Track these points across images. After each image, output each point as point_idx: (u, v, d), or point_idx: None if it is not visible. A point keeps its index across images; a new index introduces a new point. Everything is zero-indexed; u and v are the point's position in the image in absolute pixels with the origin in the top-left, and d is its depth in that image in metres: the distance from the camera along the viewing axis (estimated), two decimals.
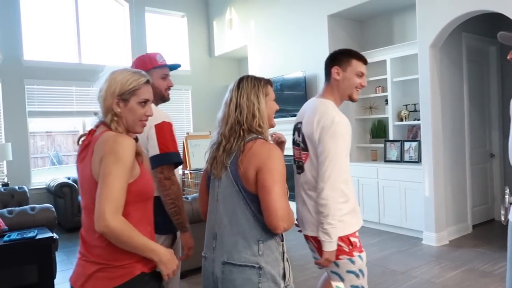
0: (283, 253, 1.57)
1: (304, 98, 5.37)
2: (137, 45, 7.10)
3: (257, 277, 1.48)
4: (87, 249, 1.38)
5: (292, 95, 5.82)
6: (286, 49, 6.13)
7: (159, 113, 1.92)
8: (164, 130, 1.90)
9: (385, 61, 5.15)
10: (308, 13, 5.72)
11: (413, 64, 4.89)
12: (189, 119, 7.75)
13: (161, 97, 2.10)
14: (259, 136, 1.58)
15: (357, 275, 1.89)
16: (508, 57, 1.64)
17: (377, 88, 5.38)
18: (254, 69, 6.73)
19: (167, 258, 1.36)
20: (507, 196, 1.75)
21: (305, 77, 5.62)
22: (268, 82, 1.65)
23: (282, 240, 1.59)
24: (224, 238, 1.54)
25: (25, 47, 6.16)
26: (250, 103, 1.56)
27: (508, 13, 3.74)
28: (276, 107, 1.67)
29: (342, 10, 5.27)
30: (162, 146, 1.88)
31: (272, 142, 1.71)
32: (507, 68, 5.34)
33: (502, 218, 1.75)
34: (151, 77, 1.59)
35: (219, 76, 7.93)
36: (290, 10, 6.03)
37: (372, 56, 5.31)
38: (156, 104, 2.06)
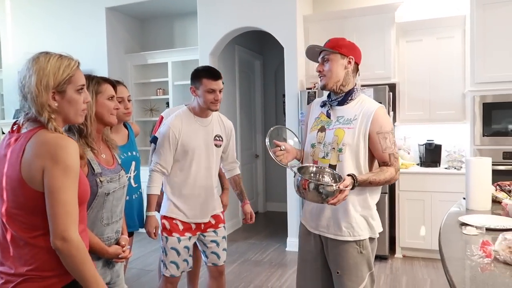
0: None
1: None
2: None
3: None
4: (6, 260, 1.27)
5: None
6: (56, 38, 5.32)
7: None
8: None
9: (166, 63, 5.15)
10: (84, 2, 5.14)
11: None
12: None
13: None
14: None
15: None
16: (316, 70, 1.87)
17: (158, 90, 5.32)
18: (8, 58, 5.58)
19: None
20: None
21: None
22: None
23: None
24: None
25: None
26: None
27: (271, 31, 4.32)
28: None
29: (122, 4, 4.97)
30: None
31: None
32: (268, 80, 6.22)
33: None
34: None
35: None
36: None
37: (154, 58, 5.23)
38: None
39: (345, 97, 1.83)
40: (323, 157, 1.82)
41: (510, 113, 3.57)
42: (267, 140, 1.87)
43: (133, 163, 2.37)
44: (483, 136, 3.61)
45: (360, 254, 1.78)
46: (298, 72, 4.26)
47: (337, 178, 1.68)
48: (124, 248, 1.67)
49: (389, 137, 1.76)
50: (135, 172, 2.40)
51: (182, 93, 5.24)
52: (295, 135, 2.18)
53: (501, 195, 2.08)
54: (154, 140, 2.79)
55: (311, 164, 1.79)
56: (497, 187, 2.21)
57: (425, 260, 3.87)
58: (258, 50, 6.04)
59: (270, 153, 1.82)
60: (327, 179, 1.73)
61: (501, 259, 1.25)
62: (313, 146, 1.88)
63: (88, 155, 1.57)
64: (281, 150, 1.82)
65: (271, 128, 1.89)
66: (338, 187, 1.58)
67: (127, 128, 2.49)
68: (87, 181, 1.39)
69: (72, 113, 1.31)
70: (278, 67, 5.82)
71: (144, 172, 2.47)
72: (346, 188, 1.60)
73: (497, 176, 2.96)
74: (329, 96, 1.91)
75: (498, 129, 3.59)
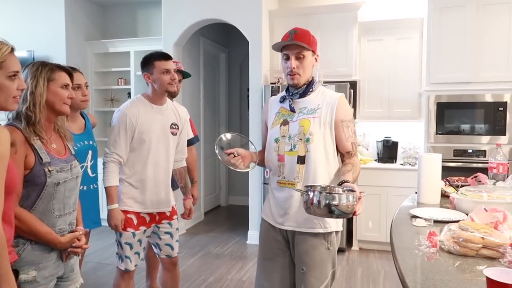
0: None
1: None
2: None
3: None
4: None
5: None
6: (8, 22, 5.04)
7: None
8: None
9: (128, 52, 5.02)
10: None
11: None
12: None
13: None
14: None
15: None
16: (291, 67, 1.82)
17: (120, 80, 5.18)
18: None
19: None
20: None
21: (34, 58, 4.80)
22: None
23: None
24: None
25: None
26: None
27: (236, 24, 4.31)
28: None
29: None
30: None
31: None
32: (233, 73, 6.20)
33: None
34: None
35: None
36: None
37: (115, 46, 5.08)
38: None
39: (306, 89, 1.83)
40: (290, 150, 1.80)
41: (462, 113, 3.76)
42: (216, 150, 1.81)
43: (90, 152, 2.31)
44: (437, 134, 3.79)
45: (327, 251, 1.79)
46: (263, 67, 4.28)
47: (346, 191, 1.58)
48: (78, 235, 1.61)
49: (350, 126, 1.80)
50: (92, 162, 2.34)
51: (144, 84, 5.05)
52: (249, 140, 2.04)
53: (450, 189, 2.20)
54: None
55: (318, 184, 1.67)
56: (447, 182, 2.33)
57: (380, 252, 4.02)
58: (223, 43, 6.01)
59: (224, 164, 1.78)
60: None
61: (445, 249, 1.33)
62: (276, 140, 1.84)
63: (36, 144, 1.50)
64: (234, 156, 1.78)
65: (220, 137, 1.86)
66: (360, 193, 1.54)
67: (83, 118, 2.42)
68: (15, 170, 1.32)
69: (3, 99, 1.27)
70: (243, 61, 5.81)
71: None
72: (362, 194, 1.57)
73: (448, 172, 3.13)
74: (287, 90, 1.88)
75: (450, 128, 3.78)
